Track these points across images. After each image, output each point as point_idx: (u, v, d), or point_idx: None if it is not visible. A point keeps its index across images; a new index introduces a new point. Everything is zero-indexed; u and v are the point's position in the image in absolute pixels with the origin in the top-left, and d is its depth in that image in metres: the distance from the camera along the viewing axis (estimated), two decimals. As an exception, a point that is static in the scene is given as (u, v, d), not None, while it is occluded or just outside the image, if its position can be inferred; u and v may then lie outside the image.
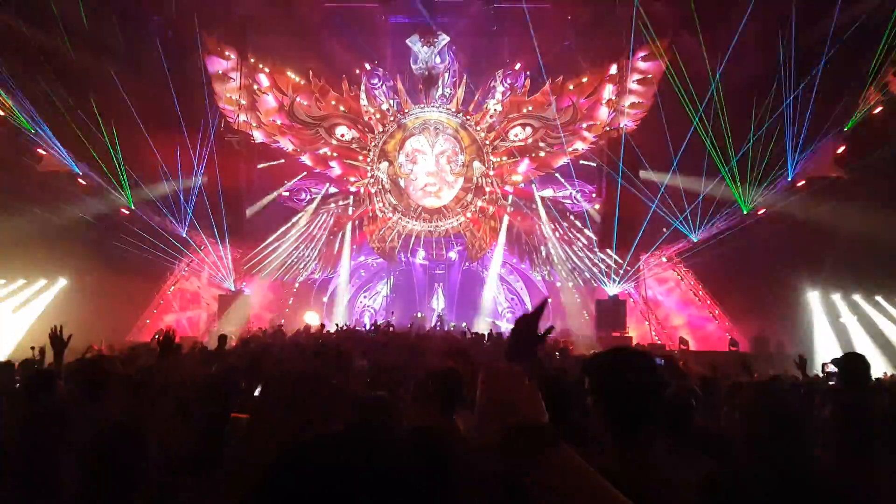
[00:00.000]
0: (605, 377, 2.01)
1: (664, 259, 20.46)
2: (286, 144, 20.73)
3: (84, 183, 17.13)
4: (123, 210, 17.87)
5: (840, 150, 16.37)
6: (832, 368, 4.75)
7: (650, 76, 19.02)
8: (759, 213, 17.81)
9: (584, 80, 20.02)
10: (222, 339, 9.90)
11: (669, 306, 20.83)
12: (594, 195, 20.96)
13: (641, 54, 18.93)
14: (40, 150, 16.26)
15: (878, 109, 15.36)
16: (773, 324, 17.49)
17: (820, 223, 15.42)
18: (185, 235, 18.98)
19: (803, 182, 17.11)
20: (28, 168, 16.24)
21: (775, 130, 15.88)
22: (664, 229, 19.61)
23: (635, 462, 1.89)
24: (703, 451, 2.86)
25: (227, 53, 19.27)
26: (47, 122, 15.52)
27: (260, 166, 20.81)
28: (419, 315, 21.18)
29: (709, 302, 19.76)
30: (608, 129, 19.69)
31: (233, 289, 20.46)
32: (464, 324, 20.63)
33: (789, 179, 17.15)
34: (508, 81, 20.53)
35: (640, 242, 19.42)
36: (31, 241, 15.83)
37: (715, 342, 18.27)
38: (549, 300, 2.76)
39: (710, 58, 16.10)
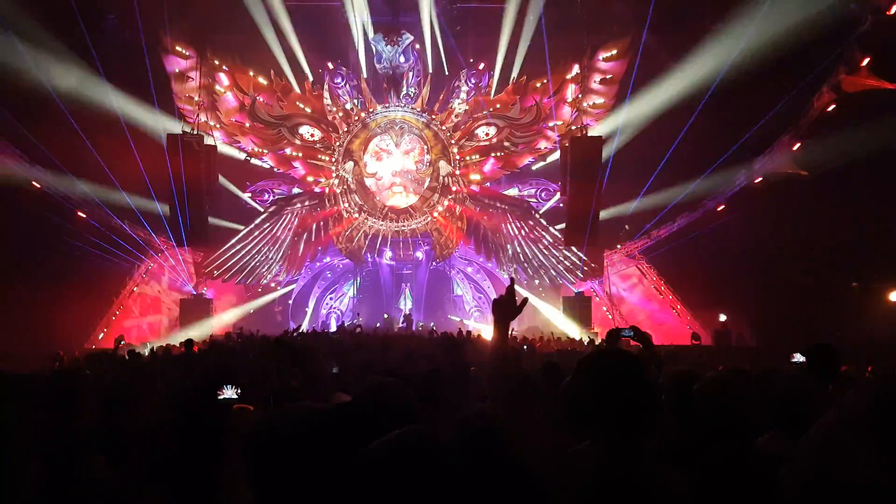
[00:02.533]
0: (603, 383, 2.00)
1: (627, 255, 20.78)
2: (248, 144, 20.42)
3: (38, 186, 16.60)
4: (80, 213, 17.37)
5: (795, 148, 16.82)
6: (799, 358, 4.85)
7: (612, 76, 19.27)
8: (719, 209, 18.21)
9: (547, 79, 20.18)
10: (188, 343, 9.70)
11: (633, 302, 21.15)
12: (558, 193, 21.14)
13: (603, 55, 19.16)
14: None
15: (832, 108, 15.83)
16: (735, 317, 17.88)
17: (777, 218, 15.81)
18: (135, 240, 18.52)
19: (760, 179, 17.54)
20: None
21: (734, 128, 16.23)
22: (626, 226, 19.91)
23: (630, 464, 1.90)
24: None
25: (185, 52, 18.87)
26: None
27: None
28: (386, 316, 21.08)
29: (671, 297, 20.14)
30: (571, 128, 19.88)
31: (194, 293, 20.06)
32: (432, 323, 20.60)
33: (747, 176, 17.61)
34: (473, 81, 20.58)
35: (604, 239, 19.66)
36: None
37: (677, 336, 18.61)
38: (514, 279, 2.79)
39: (671, 57, 16.41)
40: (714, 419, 2.45)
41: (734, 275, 17.25)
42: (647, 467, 1.90)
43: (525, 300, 2.63)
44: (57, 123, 15.81)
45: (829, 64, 15.51)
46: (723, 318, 17.89)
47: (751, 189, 17.60)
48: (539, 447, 2.44)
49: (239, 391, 4.16)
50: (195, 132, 18.58)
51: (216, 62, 19.51)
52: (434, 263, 22.53)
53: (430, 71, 20.59)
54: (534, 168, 21.67)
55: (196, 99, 19.06)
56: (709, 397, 2.51)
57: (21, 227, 15.75)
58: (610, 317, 20.42)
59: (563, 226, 19.97)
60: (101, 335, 18.30)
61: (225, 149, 20.40)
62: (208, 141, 18.42)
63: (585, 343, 16.08)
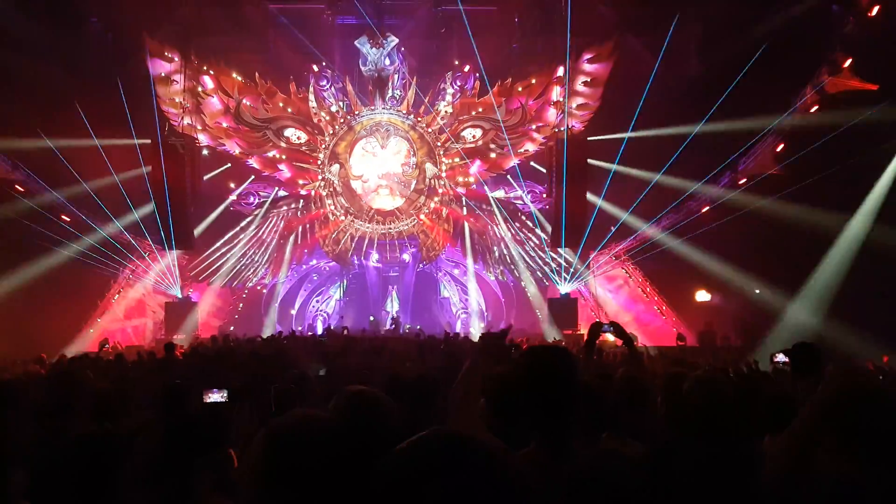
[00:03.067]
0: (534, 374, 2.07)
1: (613, 257, 20.90)
2: (233, 147, 20.31)
3: (22, 189, 16.46)
4: (64, 217, 17.21)
5: (779, 148, 16.99)
6: (781, 358, 4.91)
7: (596, 78, 19.39)
8: (704, 209, 18.36)
9: (532, 81, 20.27)
10: (169, 347, 9.62)
11: (618, 303, 21.25)
12: (544, 195, 21.22)
13: (587, 56, 19.27)
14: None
15: (815, 108, 15.99)
16: (719, 318, 18.04)
17: (761, 218, 15.95)
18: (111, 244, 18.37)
19: (745, 179, 17.70)
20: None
21: (717, 129, 16.37)
22: (611, 227, 20.02)
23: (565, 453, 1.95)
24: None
25: (169, 55, 18.74)
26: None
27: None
28: (372, 319, 21.05)
29: (656, 298, 20.26)
30: (556, 130, 19.96)
31: (179, 296, 19.91)
32: (418, 326, 20.58)
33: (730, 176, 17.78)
34: (458, 83, 20.62)
35: (590, 241, 19.77)
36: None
37: (662, 337, 18.73)
38: (512, 326, 2.92)
39: (653, 58, 16.55)
40: (703, 418, 2.48)
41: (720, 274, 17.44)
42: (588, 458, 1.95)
43: (508, 329, 2.76)
44: (39, 126, 15.70)
45: (811, 65, 15.71)
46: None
47: (735, 189, 17.75)
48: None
49: (226, 394, 4.16)
50: (180, 135, 18.48)
51: (200, 65, 19.38)
52: (421, 265, 22.53)
53: (415, 73, 20.63)
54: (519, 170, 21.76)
55: (180, 102, 18.93)
56: (698, 396, 2.54)
57: (3, 232, 15.59)
58: (596, 318, 20.52)
59: (549, 227, 20.08)
60: (85, 338, 18.13)
61: (209, 152, 20.35)
62: (192, 144, 18.33)
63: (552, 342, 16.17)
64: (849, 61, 15.08)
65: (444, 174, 21.34)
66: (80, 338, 17.60)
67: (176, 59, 18.84)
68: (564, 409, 2.00)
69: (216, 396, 4.12)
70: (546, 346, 2.23)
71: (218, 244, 20.24)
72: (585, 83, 19.61)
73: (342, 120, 20.90)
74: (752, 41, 14.93)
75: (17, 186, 16.52)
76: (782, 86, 16.06)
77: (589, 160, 18.75)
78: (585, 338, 3.97)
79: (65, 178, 16.75)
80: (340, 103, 20.86)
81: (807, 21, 14.65)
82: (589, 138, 18.99)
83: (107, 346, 14.90)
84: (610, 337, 6.09)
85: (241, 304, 21.47)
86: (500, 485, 0.92)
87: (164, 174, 17.34)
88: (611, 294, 21.30)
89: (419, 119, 20.96)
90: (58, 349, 14.92)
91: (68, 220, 17.29)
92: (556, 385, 2.01)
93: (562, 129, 19.42)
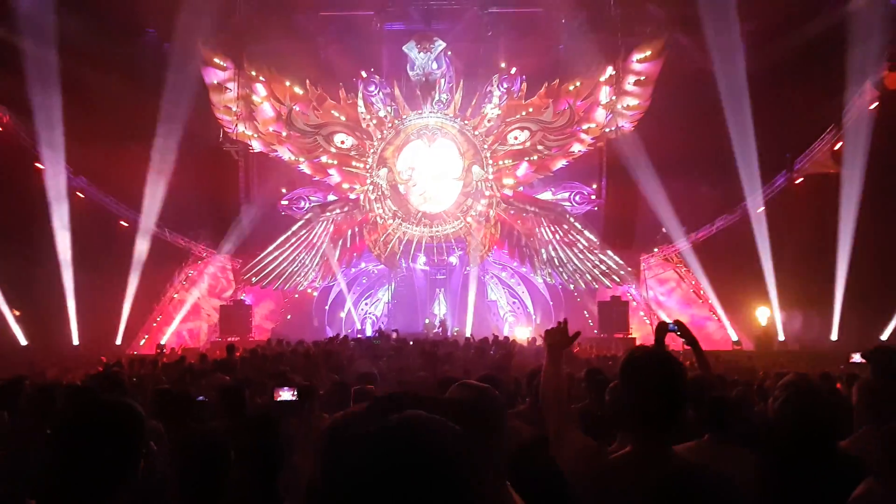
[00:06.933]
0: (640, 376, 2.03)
1: (665, 259, 20.52)
2: (284, 153, 20.71)
3: (82, 196, 17.09)
4: (122, 223, 17.82)
5: (837, 147, 16.45)
6: (858, 359, 4.74)
7: (646, 77, 19.10)
8: (759, 210, 17.89)
9: (580, 82, 20.08)
10: (230, 348, 9.86)
11: (671, 307, 20.82)
12: (593, 197, 20.99)
13: (637, 56, 19.00)
14: (38, 165, 16.24)
15: (874, 105, 15.43)
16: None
17: (818, 219, 15.48)
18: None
19: (801, 179, 17.19)
20: (28, 182, 16.20)
21: (774, 128, 15.96)
22: (664, 229, 19.66)
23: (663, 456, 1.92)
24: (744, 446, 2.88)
25: (223, 64, 19.25)
26: (45, 137, 15.52)
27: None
28: (427, 321, 21.04)
29: (710, 301, 19.79)
30: (606, 130, 19.73)
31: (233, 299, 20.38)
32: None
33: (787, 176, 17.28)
34: (505, 85, 20.57)
35: (640, 243, 19.46)
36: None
37: (717, 341, 18.28)
38: (567, 319, 2.92)
39: (706, 57, 16.21)
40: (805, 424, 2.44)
41: (775, 276, 16.95)
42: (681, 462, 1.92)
43: (578, 333, 2.90)
44: (99, 135, 16.28)
45: (871, 61, 15.15)
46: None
47: (791, 189, 17.26)
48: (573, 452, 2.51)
49: (295, 393, 4.24)
50: (234, 142, 18.95)
51: (253, 73, 19.84)
52: (468, 268, 22.51)
53: (462, 77, 20.68)
54: (566, 171, 21.57)
55: (234, 109, 19.41)
56: (802, 403, 2.49)
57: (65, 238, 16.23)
58: (647, 321, 20.16)
59: (598, 229, 19.85)
60: (142, 341, 18.71)
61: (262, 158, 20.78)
62: (246, 150, 18.78)
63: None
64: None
65: (491, 176, 21.31)
66: (137, 340, 18.20)
67: (229, 67, 19.33)
68: (664, 417, 1.96)
69: (286, 395, 4.20)
70: (649, 352, 2.16)
71: (270, 248, 20.62)
72: (635, 82, 19.34)
73: (390, 125, 21.09)
74: (809, 38, 14.49)
75: (77, 193, 17.16)
76: (840, 83, 15.53)
77: (638, 160, 18.45)
78: (654, 338, 3.91)
79: (123, 184, 17.35)
80: (388, 108, 21.05)
81: (865, 16, 14.15)
82: (640, 138, 18.68)
83: (163, 349, 15.32)
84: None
85: (291, 309, 21.82)
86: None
87: (220, 180, 17.78)
88: (663, 297, 20.91)
89: (466, 122, 20.99)
90: (115, 351, 15.47)
91: (126, 225, 17.88)
92: (657, 395, 1.96)
93: (611, 129, 19.19)
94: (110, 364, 10.00)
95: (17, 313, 15.92)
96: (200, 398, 4.59)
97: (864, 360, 4.23)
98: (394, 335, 15.85)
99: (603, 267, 20.22)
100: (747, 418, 3.10)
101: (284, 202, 21.46)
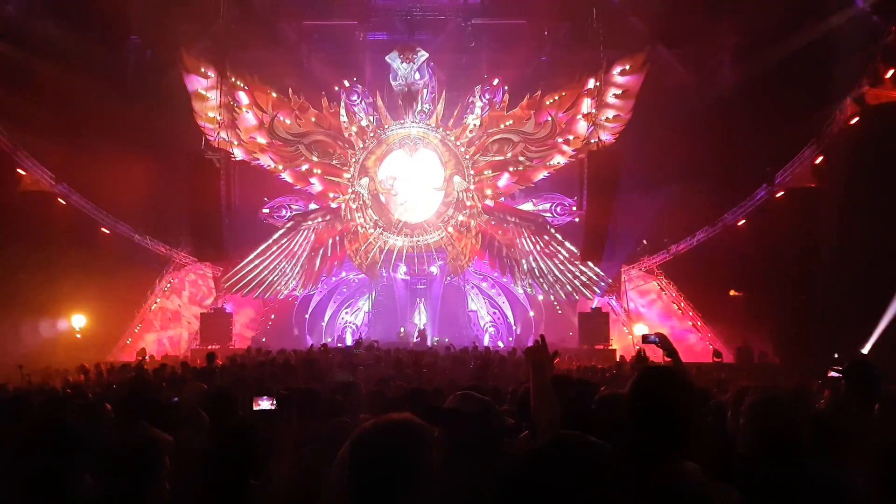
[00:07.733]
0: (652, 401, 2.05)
1: (644, 271, 20.68)
2: (266, 161, 20.62)
3: (63, 203, 16.90)
4: (104, 230, 17.63)
5: (818, 161, 16.70)
6: (834, 374, 4.79)
7: (628, 90, 19.30)
8: (739, 223, 18.11)
9: (562, 94, 20.25)
10: (210, 356, 9.76)
11: (651, 318, 20.97)
12: (574, 208, 21.12)
13: (619, 68, 19.21)
14: (20, 171, 16.06)
15: (855, 120, 15.68)
16: (756, 334, 17.67)
17: (799, 233, 15.67)
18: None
19: (782, 193, 17.43)
20: (9, 188, 16.01)
21: (753, 142, 16.19)
22: (644, 241, 19.83)
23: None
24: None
25: (205, 71, 19.15)
26: (26, 142, 15.35)
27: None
28: (402, 331, 21.03)
29: (690, 313, 19.96)
30: (587, 142, 19.90)
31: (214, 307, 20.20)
32: (447, 339, 20.52)
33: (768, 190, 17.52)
34: (487, 96, 20.68)
35: (621, 255, 19.58)
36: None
37: (698, 354, 18.39)
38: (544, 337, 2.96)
39: (688, 71, 16.43)
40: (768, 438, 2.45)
41: (755, 290, 17.11)
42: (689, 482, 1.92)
43: (556, 353, 2.95)
44: (81, 142, 16.12)
45: (852, 76, 15.43)
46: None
47: (772, 203, 17.48)
48: None
49: (274, 402, 4.21)
50: (215, 150, 18.82)
51: (235, 81, 19.76)
52: (448, 278, 22.52)
53: (444, 87, 20.76)
54: (547, 182, 21.69)
55: (216, 117, 19.30)
56: (765, 415, 2.50)
57: (46, 243, 15.99)
58: (627, 332, 20.28)
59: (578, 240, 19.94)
60: (123, 348, 18.48)
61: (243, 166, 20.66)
62: (228, 158, 18.66)
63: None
64: (891, 72, 14.81)
65: (472, 187, 21.38)
66: (118, 347, 17.95)
67: (212, 74, 19.24)
68: (671, 434, 1.99)
69: (265, 404, 4.16)
70: (659, 371, 2.19)
71: (251, 256, 20.48)
72: (617, 95, 19.53)
73: (372, 134, 21.10)
74: (790, 53, 14.76)
75: (59, 200, 16.96)
76: (821, 98, 15.79)
77: (619, 173, 18.61)
78: (634, 353, 3.97)
79: (104, 191, 17.16)
80: (370, 118, 21.07)
81: (846, 32, 14.45)
82: (620, 151, 18.86)
83: (145, 356, 15.11)
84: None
85: (272, 316, 21.67)
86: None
87: (201, 188, 17.65)
88: (643, 308, 21.04)
89: (448, 132, 21.06)
90: (96, 358, 15.21)
91: (108, 232, 17.68)
92: (667, 415, 2.01)
93: (592, 141, 19.35)
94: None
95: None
96: (175, 399, 4.57)
97: (839, 375, 4.27)
98: (375, 345, 15.78)
99: (583, 278, 20.32)
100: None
101: (266, 210, 21.34)
